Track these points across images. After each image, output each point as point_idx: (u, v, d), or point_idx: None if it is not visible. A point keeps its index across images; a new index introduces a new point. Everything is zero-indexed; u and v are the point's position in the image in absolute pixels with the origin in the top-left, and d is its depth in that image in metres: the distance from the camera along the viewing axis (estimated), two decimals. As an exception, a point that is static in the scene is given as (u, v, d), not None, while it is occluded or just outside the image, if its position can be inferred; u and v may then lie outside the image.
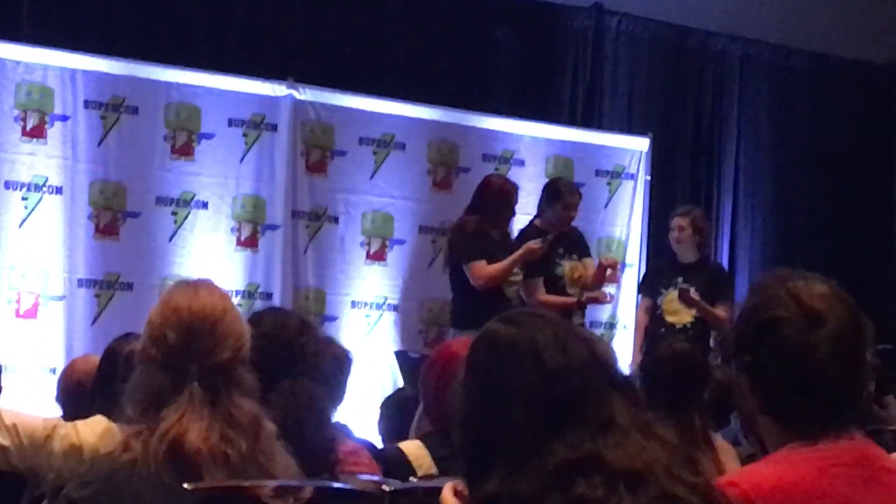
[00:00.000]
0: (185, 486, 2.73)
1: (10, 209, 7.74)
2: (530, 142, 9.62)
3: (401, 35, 9.91)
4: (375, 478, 3.55)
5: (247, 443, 2.90)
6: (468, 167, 9.18)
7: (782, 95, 11.82)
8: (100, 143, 8.02)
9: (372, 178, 8.93)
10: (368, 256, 8.91)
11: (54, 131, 7.87)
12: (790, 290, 2.65)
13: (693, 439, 4.66)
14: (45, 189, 7.83)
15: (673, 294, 8.52)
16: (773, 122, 11.76)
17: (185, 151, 8.30)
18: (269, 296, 8.44)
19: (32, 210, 7.79)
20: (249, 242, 8.49)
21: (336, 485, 3.18)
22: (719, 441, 5.06)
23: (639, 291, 9.17)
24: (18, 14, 8.35)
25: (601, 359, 2.47)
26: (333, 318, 8.57)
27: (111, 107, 8.04)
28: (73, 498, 2.87)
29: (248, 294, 8.41)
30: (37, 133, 7.83)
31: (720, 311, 8.36)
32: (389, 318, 8.95)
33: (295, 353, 3.88)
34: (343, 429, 4.22)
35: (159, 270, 8.11)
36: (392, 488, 3.07)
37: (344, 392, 4.37)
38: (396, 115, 9.06)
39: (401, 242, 9.01)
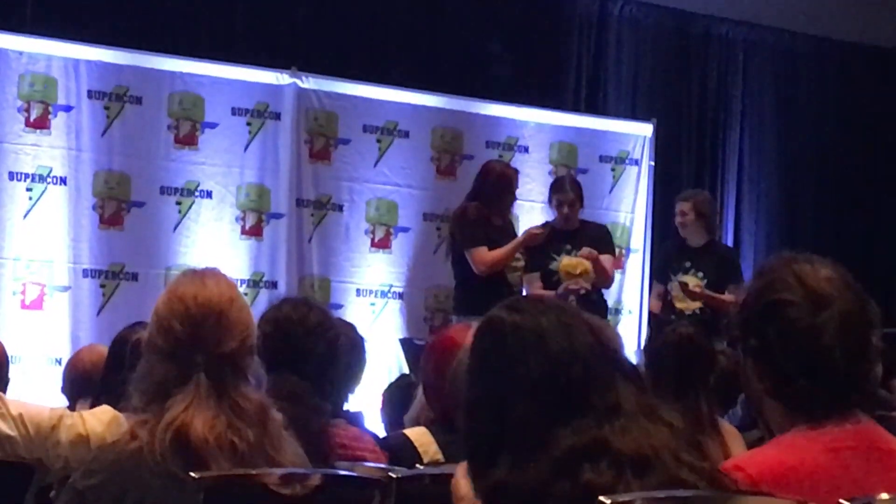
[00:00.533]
0: (192, 475, 2.73)
1: (15, 200, 7.74)
2: (534, 128, 9.60)
3: (404, 23, 9.90)
4: (382, 465, 3.56)
5: (254, 432, 2.90)
6: (472, 154, 9.16)
7: (786, 79, 11.80)
8: (103, 134, 8.01)
9: (376, 165, 8.92)
10: (373, 244, 8.91)
11: (58, 122, 7.87)
12: (796, 273, 2.64)
13: (699, 424, 4.66)
14: (49, 180, 7.82)
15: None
16: (777, 107, 11.73)
17: (189, 141, 8.30)
18: (274, 285, 8.44)
19: (37, 201, 7.79)
20: (254, 231, 8.49)
21: (343, 473, 3.18)
22: (725, 425, 5.06)
23: (651, 277, 9.18)
24: (21, 4, 8.35)
25: (607, 345, 2.47)
26: (339, 306, 8.56)
27: (115, 97, 8.04)
28: (79, 487, 2.87)
29: (253, 283, 8.41)
30: (40, 124, 7.83)
31: (729, 296, 8.30)
32: (394, 305, 8.96)
33: (296, 347, 3.89)
34: (356, 416, 4.22)
35: (164, 260, 8.11)
36: (399, 475, 3.08)
37: (357, 380, 4.36)
38: (400, 102, 9.05)
39: (405, 230, 9.01)
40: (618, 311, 9.59)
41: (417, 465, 3.71)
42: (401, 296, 8.97)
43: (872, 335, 2.65)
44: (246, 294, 7.91)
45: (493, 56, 10.18)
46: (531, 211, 9.09)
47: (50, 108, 7.84)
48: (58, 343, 7.74)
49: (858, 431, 2.64)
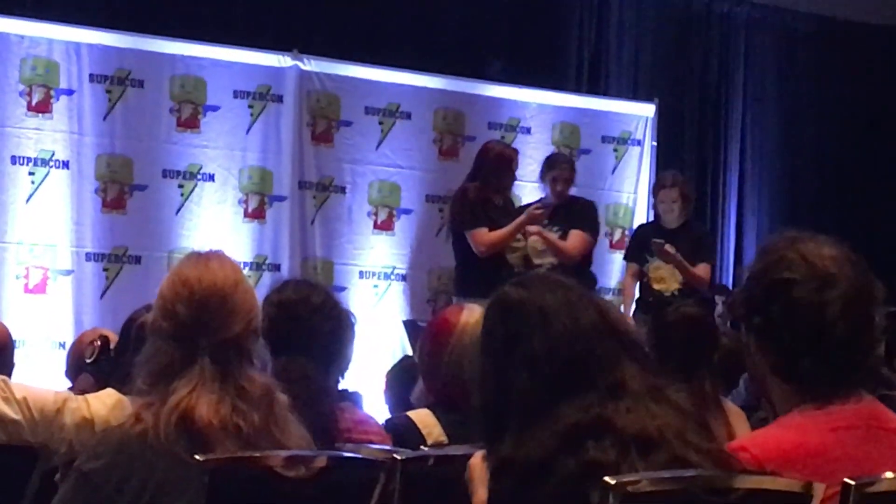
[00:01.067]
0: (197, 457, 2.73)
1: (17, 184, 7.75)
2: (536, 109, 9.60)
3: (405, 4, 9.87)
4: (387, 447, 3.56)
5: (259, 415, 2.89)
6: (474, 136, 9.15)
7: (788, 58, 11.78)
8: (105, 117, 8.01)
9: (378, 147, 8.92)
10: (376, 226, 8.91)
11: (60, 105, 7.87)
12: (800, 251, 2.64)
13: (704, 403, 4.66)
14: (51, 164, 7.83)
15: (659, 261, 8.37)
16: (779, 86, 11.72)
17: (191, 124, 8.30)
18: (277, 267, 8.45)
19: (39, 185, 7.80)
20: (257, 214, 8.49)
21: (348, 454, 3.18)
22: (729, 405, 5.06)
23: (625, 258, 9.03)
24: (22, -12, 8.34)
25: (614, 325, 2.48)
26: (342, 289, 8.56)
27: (116, 80, 8.03)
28: (84, 470, 2.87)
29: (256, 266, 8.42)
30: (42, 108, 7.82)
31: (699, 270, 8.26)
32: (397, 287, 8.96)
33: (302, 328, 3.89)
34: (354, 396, 4.22)
35: (167, 243, 8.11)
36: (403, 457, 3.09)
37: (349, 358, 4.34)
38: (402, 84, 9.04)
39: (408, 212, 9.00)
40: (621, 293, 9.56)
41: (421, 447, 3.71)
42: (404, 277, 8.98)
43: (876, 313, 2.65)
44: (249, 277, 7.90)
45: (494, 37, 10.15)
46: (534, 192, 9.07)
47: (52, 92, 7.84)
48: (61, 327, 7.75)
49: (861, 410, 2.65)
